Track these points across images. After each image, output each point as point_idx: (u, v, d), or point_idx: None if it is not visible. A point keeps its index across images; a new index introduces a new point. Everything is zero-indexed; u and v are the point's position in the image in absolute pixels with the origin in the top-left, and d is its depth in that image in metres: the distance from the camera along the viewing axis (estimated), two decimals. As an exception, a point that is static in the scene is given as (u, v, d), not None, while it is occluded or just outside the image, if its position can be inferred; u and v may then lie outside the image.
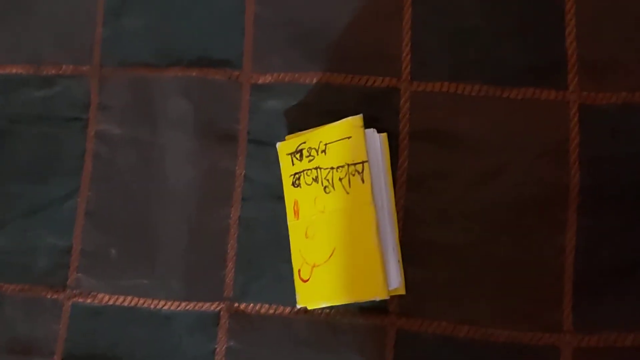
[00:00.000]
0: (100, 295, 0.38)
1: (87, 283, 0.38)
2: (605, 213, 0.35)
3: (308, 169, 0.35)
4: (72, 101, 0.40)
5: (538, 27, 0.37)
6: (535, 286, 0.35)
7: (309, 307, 0.35)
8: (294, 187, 0.36)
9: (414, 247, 0.36)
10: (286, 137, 0.36)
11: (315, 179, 0.35)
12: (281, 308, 0.37)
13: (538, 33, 0.37)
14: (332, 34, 0.38)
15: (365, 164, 0.34)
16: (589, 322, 0.34)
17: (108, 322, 0.38)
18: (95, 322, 0.38)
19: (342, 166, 0.35)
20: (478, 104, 0.36)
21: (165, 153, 0.39)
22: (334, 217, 0.35)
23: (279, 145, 0.36)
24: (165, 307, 0.38)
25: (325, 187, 0.35)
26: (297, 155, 0.36)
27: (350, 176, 0.34)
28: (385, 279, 0.34)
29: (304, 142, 0.35)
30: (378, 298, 0.34)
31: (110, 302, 0.38)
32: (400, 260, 0.35)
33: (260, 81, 0.38)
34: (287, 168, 0.36)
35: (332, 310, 0.36)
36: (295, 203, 0.36)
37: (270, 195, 0.37)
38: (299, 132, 0.36)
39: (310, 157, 0.35)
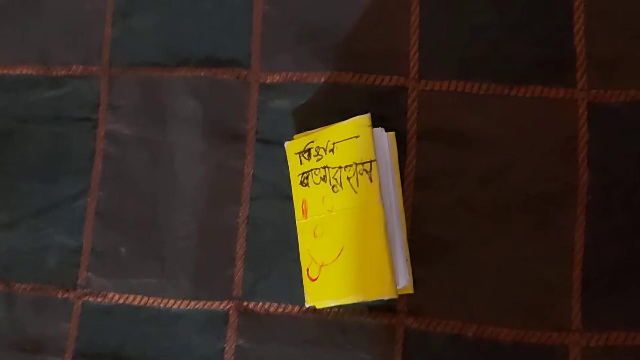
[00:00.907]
0: (110, 294, 0.38)
1: (97, 282, 0.38)
2: (614, 211, 0.35)
3: (316, 168, 0.35)
4: (81, 101, 0.40)
5: (546, 25, 0.37)
6: (544, 285, 0.35)
7: (318, 306, 0.35)
8: (302, 186, 0.36)
9: (422, 246, 0.36)
10: (294, 137, 0.37)
11: (324, 178, 0.35)
12: (290, 307, 0.37)
13: (546, 31, 0.37)
14: (340, 33, 0.38)
15: (373, 163, 0.34)
16: (597, 321, 0.34)
17: (118, 321, 0.38)
18: (106, 320, 0.38)
19: (350, 165, 0.35)
20: (486, 102, 0.36)
21: (174, 152, 0.39)
22: (342, 216, 0.35)
23: (287, 144, 0.36)
24: (175, 306, 0.38)
25: (333, 186, 0.35)
26: (305, 155, 0.36)
27: (359, 175, 0.34)
28: (393, 278, 0.34)
29: (312, 142, 0.35)
30: (386, 297, 0.34)
31: (120, 301, 0.38)
32: (409, 259, 0.35)
33: (269, 80, 0.38)
34: (295, 167, 0.36)
35: (341, 309, 0.36)
36: (304, 202, 0.36)
37: (278, 194, 0.37)
38: (307, 132, 0.36)
39: (319, 157, 0.35)
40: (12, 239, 0.40)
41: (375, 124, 0.35)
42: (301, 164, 0.36)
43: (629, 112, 0.36)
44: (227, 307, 0.37)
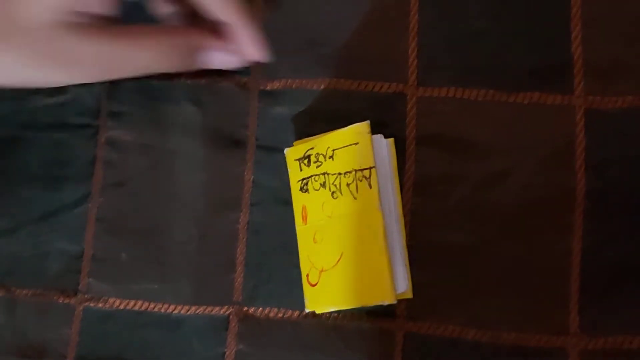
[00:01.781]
0: (111, 300, 0.38)
1: (98, 288, 0.39)
2: (612, 216, 0.35)
3: (316, 175, 0.36)
4: (82, 108, 0.40)
5: (544, 32, 0.37)
6: (542, 289, 0.35)
7: (317, 312, 0.35)
8: (302, 192, 0.36)
9: (421, 251, 0.36)
10: (294, 143, 0.37)
11: (323, 185, 0.35)
12: (290, 312, 0.37)
13: (544, 37, 0.37)
14: (339, 40, 0.38)
15: (373, 170, 0.35)
16: (595, 325, 0.35)
17: (119, 326, 0.38)
18: (107, 326, 0.38)
19: (350, 172, 0.35)
20: (484, 108, 0.37)
21: (175, 159, 0.39)
22: (341, 222, 0.35)
23: (287, 151, 0.37)
24: (175, 311, 0.38)
25: (332, 193, 0.35)
26: (305, 161, 0.36)
27: (358, 182, 0.35)
28: (392, 284, 0.34)
29: (312, 148, 0.36)
30: (386, 302, 0.34)
31: (121, 307, 0.38)
32: (407, 264, 0.35)
33: (269, 87, 0.38)
34: (295, 174, 0.36)
35: (340, 314, 0.36)
36: (304, 208, 0.36)
37: (279, 200, 0.37)
38: (307, 138, 0.36)
39: (318, 163, 0.35)
40: (13, 244, 0.40)
41: (374, 130, 0.35)
42: (301, 170, 0.36)
43: (626, 118, 0.36)
44: (228, 312, 0.37)
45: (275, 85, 0.38)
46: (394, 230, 0.35)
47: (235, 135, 0.38)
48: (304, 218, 0.36)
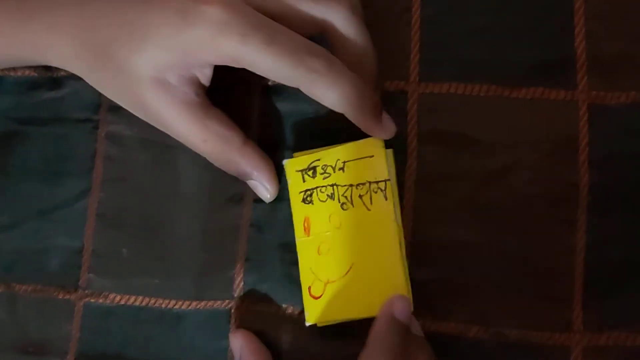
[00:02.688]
0: (112, 295, 0.38)
1: (99, 283, 0.38)
2: (615, 212, 0.35)
3: (322, 186, 0.35)
4: (81, 102, 0.40)
5: (547, 26, 0.37)
6: (545, 285, 0.35)
7: (319, 324, 0.35)
8: (305, 203, 0.35)
9: (423, 248, 0.36)
10: (294, 155, 0.36)
11: (331, 196, 0.35)
12: (291, 308, 0.37)
13: (547, 32, 0.37)
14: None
15: (388, 182, 0.35)
16: (599, 321, 0.35)
17: (120, 322, 0.38)
18: (108, 321, 0.38)
19: (364, 184, 0.35)
20: (487, 104, 0.37)
21: (176, 153, 0.39)
22: (352, 233, 0.35)
23: (286, 162, 0.36)
24: (176, 307, 0.38)
25: (342, 204, 0.35)
26: (310, 172, 0.35)
27: (373, 193, 0.35)
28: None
29: (318, 160, 0.35)
30: None
31: (122, 302, 0.38)
32: (406, 265, 0.35)
33: (271, 83, 0.38)
34: (296, 185, 0.36)
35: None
36: (306, 220, 0.35)
37: (281, 197, 0.37)
38: (309, 150, 0.36)
39: (326, 175, 0.35)
40: (13, 240, 0.40)
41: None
42: (304, 181, 0.36)
43: (630, 113, 0.36)
44: (229, 306, 0.37)
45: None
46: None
47: (238, 130, 0.38)
48: (307, 230, 0.36)
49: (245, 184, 0.37)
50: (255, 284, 0.37)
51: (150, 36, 0.33)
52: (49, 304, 0.39)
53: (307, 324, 0.35)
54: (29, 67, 0.40)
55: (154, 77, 0.33)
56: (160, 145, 0.39)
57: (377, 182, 0.35)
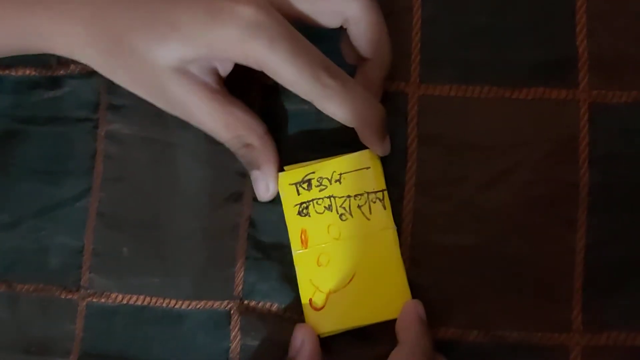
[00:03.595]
0: (113, 295, 0.38)
1: (100, 283, 0.38)
2: (616, 212, 0.35)
3: (319, 198, 0.35)
4: (81, 101, 0.40)
5: (548, 26, 0.37)
6: (545, 285, 0.35)
7: (322, 335, 0.35)
8: (301, 216, 0.36)
9: (423, 251, 0.36)
10: (285, 168, 0.36)
11: (329, 208, 0.35)
12: (290, 307, 0.37)
13: (548, 32, 0.37)
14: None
15: (385, 192, 0.35)
16: (598, 321, 0.35)
17: (122, 321, 0.38)
18: (110, 321, 0.38)
19: (361, 194, 0.35)
20: (487, 105, 0.36)
21: (176, 152, 0.39)
22: (352, 242, 0.35)
23: (279, 175, 0.36)
24: (177, 306, 0.38)
25: (341, 215, 0.35)
26: (305, 185, 0.35)
27: (371, 203, 0.35)
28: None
29: (313, 172, 0.35)
30: None
31: (124, 302, 0.38)
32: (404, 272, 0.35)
33: (271, 82, 0.38)
34: (290, 198, 0.36)
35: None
36: (303, 232, 0.35)
37: (278, 197, 0.37)
38: (301, 163, 0.36)
39: (322, 187, 0.35)
40: (13, 239, 0.39)
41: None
42: (299, 194, 0.36)
43: (631, 112, 0.36)
44: (229, 306, 0.37)
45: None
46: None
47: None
48: (304, 242, 0.36)
49: (245, 182, 0.37)
50: (255, 283, 0.37)
51: (176, 29, 0.32)
52: (52, 304, 0.39)
53: None
54: (29, 67, 0.40)
55: (176, 67, 0.33)
56: (161, 144, 0.39)
57: (375, 193, 0.35)
